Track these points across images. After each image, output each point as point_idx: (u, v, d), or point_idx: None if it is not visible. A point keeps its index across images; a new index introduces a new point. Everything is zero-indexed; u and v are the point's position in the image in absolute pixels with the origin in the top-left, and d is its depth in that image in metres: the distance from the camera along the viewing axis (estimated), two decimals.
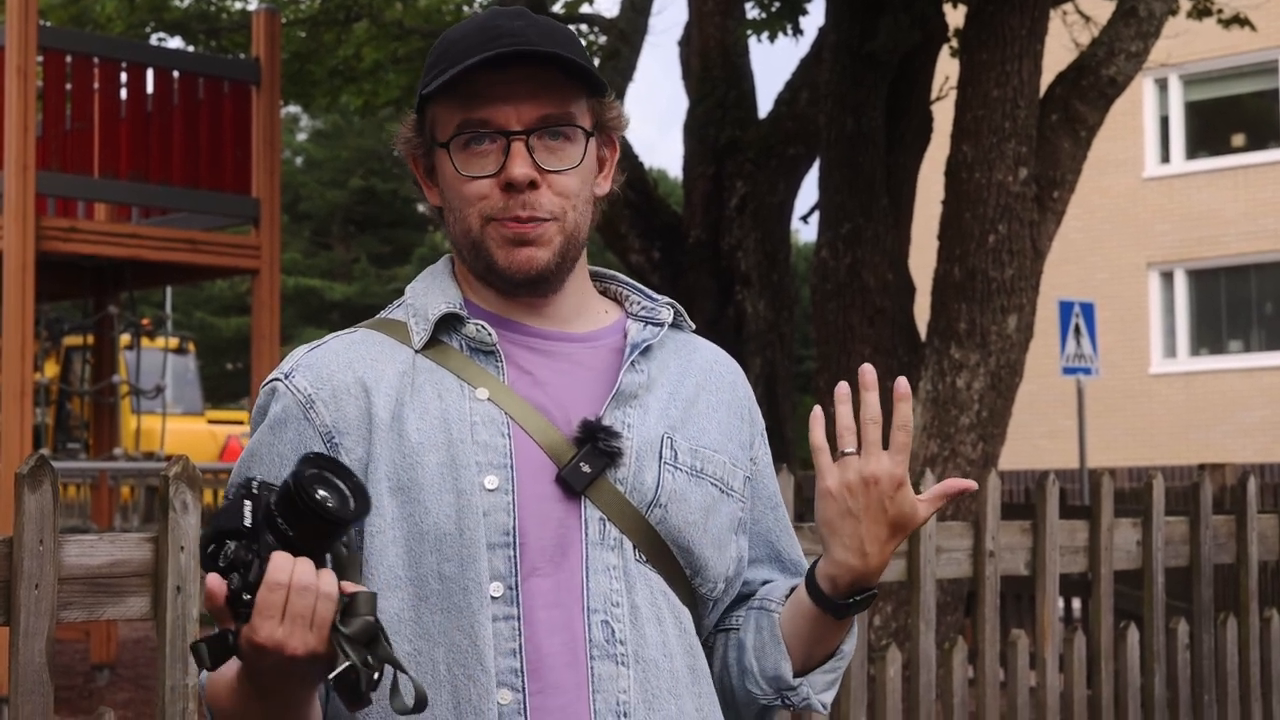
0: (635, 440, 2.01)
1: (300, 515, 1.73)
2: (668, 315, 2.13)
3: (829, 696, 2.12)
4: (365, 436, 1.97)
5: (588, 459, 1.97)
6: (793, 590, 2.09)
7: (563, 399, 2.01)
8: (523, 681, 1.92)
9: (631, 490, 1.99)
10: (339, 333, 2.09)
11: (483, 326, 2.02)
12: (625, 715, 1.94)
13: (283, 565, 1.72)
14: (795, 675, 2.07)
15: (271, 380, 2.04)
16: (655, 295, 2.16)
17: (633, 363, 2.05)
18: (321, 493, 1.74)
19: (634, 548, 1.99)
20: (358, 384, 2.00)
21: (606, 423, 1.99)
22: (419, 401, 1.98)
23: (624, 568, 1.98)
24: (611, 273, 2.19)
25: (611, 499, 1.98)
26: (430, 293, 2.08)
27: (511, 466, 1.96)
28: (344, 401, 1.99)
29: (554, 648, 1.93)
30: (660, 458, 2.02)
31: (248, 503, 1.77)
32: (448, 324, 2.04)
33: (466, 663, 1.91)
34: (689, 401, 2.09)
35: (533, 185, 1.98)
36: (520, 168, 1.97)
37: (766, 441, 2.23)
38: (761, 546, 2.18)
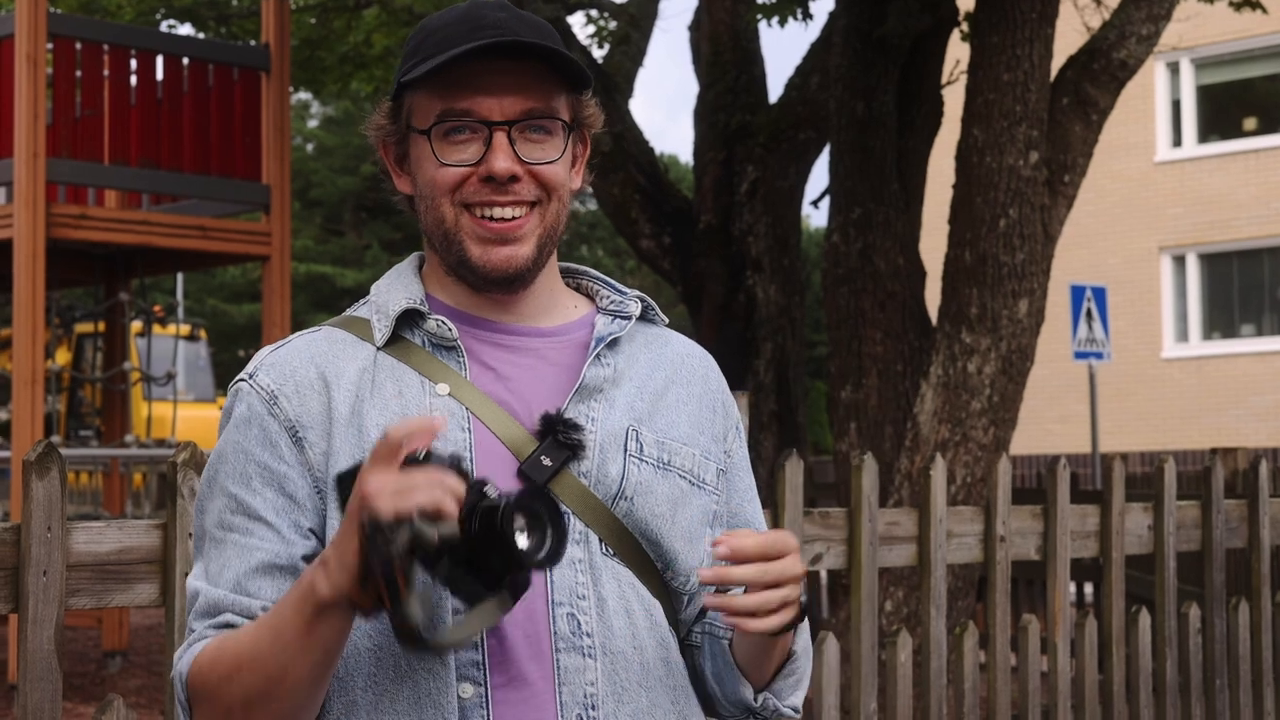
0: (599, 433, 1.99)
1: (490, 533, 1.73)
2: (635, 308, 2.12)
3: (798, 698, 2.10)
4: (327, 431, 1.97)
5: (548, 452, 1.95)
6: None
7: (526, 393, 2.00)
8: (485, 675, 1.91)
9: (596, 483, 1.98)
10: (302, 332, 2.09)
11: (443, 322, 2.01)
12: (593, 708, 1.93)
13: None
14: (758, 689, 2.06)
15: (236, 382, 2.04)
16: (625, 289, 2.15)
17: (598, 356, 2.04)
18: (521, 522, 1.73)
19: (600, 541, 1.98)
20: (319, 379, 1.99)
21: (569, 416, 1.97)
22: (379, 398, 1.98)
23: (590, 561, 1.97)
24: (582, 268, 2.18)
25: (576, 492, 1.97)
26: (393, 289, 2.07)
27: (471, 460, 1.94)
28: (307, 396, 1.98)
29: (518, 640, 1.92)
30: (625, 450, 2.00)
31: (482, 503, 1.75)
32: (410, 320, 2.04)
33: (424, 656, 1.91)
34: (657, 395, 2.08)
35: (513, 178, 1.97)
36: (502, 161, 1.97)
37: (742, 434, 2.21)
38: None
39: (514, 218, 1.99)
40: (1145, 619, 4.87)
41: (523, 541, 1.73)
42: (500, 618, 1.81)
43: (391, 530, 1.69)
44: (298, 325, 29.32)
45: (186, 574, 2.82)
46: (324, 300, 36.84)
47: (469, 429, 1.96)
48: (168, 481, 2.85)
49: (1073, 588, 9.67)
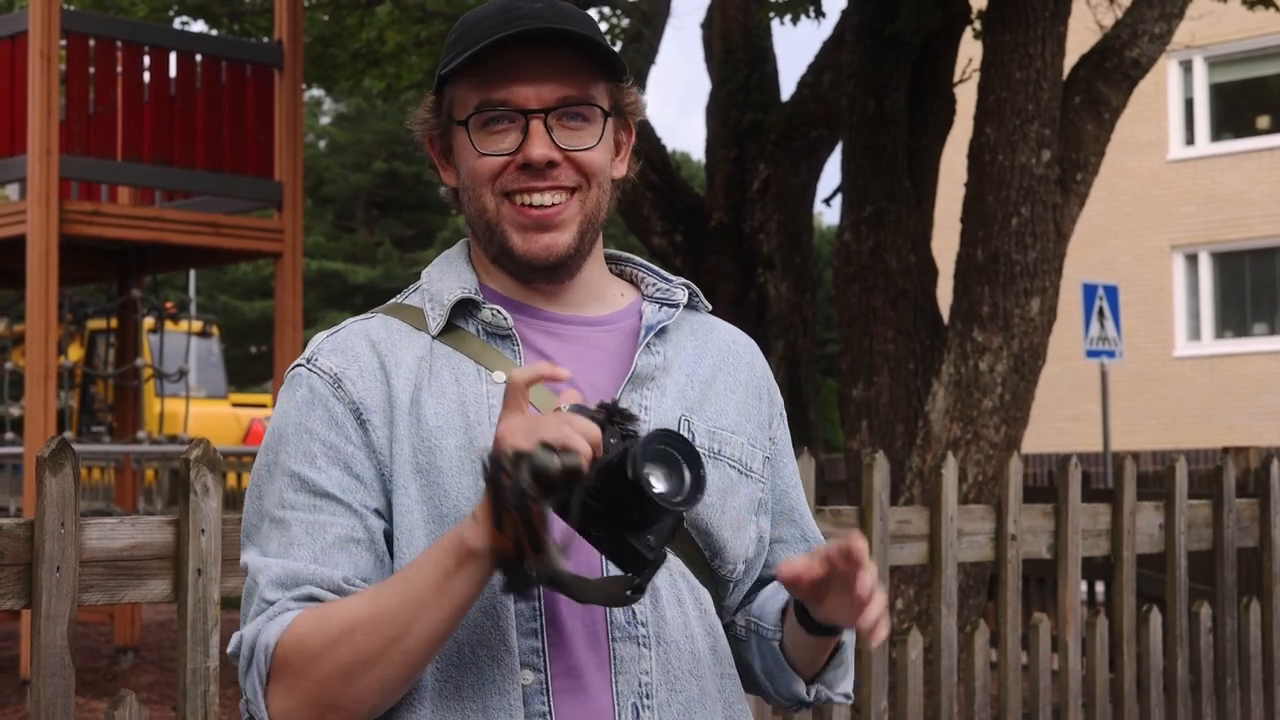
0: (652, 423, 1.99)
1: (622, 477, 1.71)
2: (682, 296, 2.12)
3: (848, 684, 2.14)
4: (389, 417, 1.96)
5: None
6: (784, 609, 2.08)
7: (579, 382, 2.00)
8: (545, 661, 1.91)
9: None
10: (356, 318, 2.07)
11: (498, 311, 2.01)
12: (648, 697, 1.94)
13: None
14: (809, 681, 2.10)
15: (294, 367, 2.02)
16: (670, 277, 2.16)
17: (648, 345, 2.05)
18: (654, 466, 1.72)
19: None
20: (379, 367, 1.99)
21: (623, 406, 1.96)
22: (436, 386, 1.97)
23: None
24: (627, 255, 2.18)
25: None
26: (445, 278, 2.07)
27: None
28: (369, 381, 1.98)
29: (574, 629, 1.92)
30: None
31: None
32: (464, 309, 2.04)
33: (490, 643, 1.90)
34: (706, 383, 2.09)
35: (551, 164, 1.98)
36: (539, 147, 1.97)
37: (785, 421, 2.23)
38: (788, 526, 2.18)
39: (554, 204, 1.99)
40: (1156, 618, 4.87)
41: (658, 485, 1.72)
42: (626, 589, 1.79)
43: (513, 463, 1.69)
44: (309, 322, 29.32)
45: (199, 570, 2.84)
46: (336, 297, 36.87)
47: None
48: (180, 478, 2.86)
49: (1084, 586, 9.67)
